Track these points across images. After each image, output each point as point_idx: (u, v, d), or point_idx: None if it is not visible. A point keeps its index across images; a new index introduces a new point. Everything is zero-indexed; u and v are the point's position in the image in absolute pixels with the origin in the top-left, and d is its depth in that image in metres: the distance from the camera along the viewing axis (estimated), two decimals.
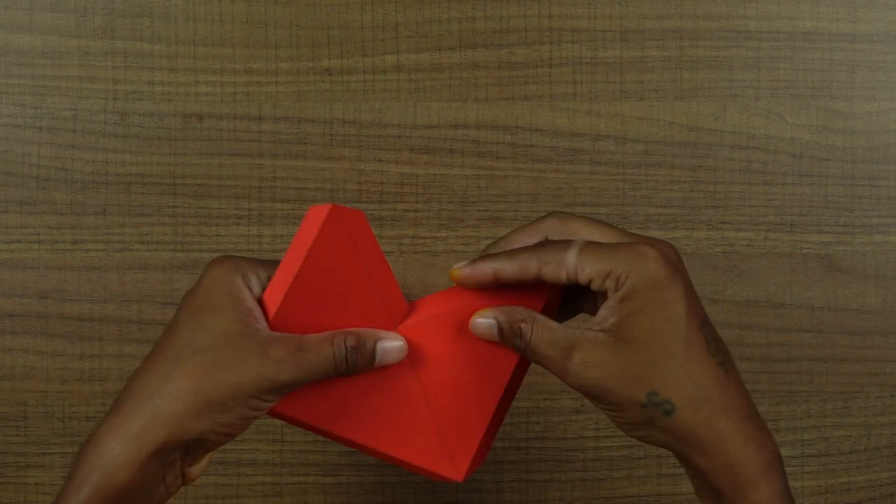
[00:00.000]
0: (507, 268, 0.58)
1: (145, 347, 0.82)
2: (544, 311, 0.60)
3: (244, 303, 0.57)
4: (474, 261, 0.59)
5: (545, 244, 0.58)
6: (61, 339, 0.82)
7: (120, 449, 0.55)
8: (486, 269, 0.59)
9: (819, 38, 0.83)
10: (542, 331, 0.57)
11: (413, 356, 0.60)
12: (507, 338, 0.59)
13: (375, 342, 0.58)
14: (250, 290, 0.58)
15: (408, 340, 0.60)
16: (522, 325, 0.58)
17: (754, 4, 0.83)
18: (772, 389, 0.84)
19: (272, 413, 0.59)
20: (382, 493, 0.83)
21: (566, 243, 0.57)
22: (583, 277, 0.57)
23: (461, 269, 0.59)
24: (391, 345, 0.59)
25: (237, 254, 0.82)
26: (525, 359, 0.62)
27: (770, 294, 0.83)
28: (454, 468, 0.61)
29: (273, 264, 0.60)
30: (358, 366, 0.58)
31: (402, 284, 0.82)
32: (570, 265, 0.57)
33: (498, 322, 0.59)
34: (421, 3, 0.82)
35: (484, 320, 0.59)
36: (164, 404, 0.55)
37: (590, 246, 0.57)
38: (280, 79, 0.82)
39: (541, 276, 0.58)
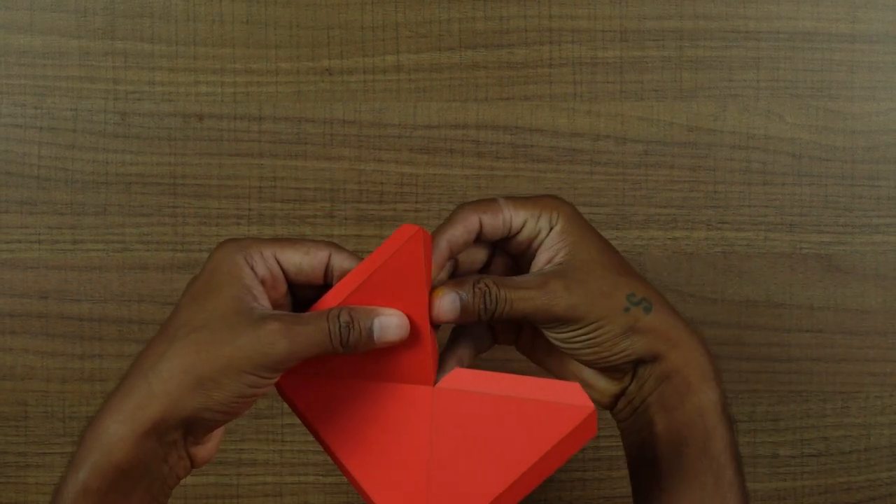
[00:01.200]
0: (455, 231, 0.61)
1: None
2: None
3: (242, 280, 0.57)
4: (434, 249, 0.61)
5: (476, 202, 0.62)
6: (62, 338, 0.82)
7: (116, 427, 0.55)
8: (440, 242, 0.60)
9: (819, 38, 0.83)
10: (507, 281, 0.60)
11: (440, 417, 0.59)
12: (474, 303, 0.59)
13: (372, 319, 0.58)
14: (252, 268, 0.58)
15: (441, 402, 0.59)
16: (487, 283, 0.59)
17: (754, 5, 0.83)
18: (771, 389, 0.84)
19: (280, 393, 0.59)
20: None
21: (492, 200, 0.62)
22: (517, 220, 0.61)
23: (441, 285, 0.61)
24: (389, 321, 0.58)
25: None
26: (541, 470, 0.58)
27: (770, 294, 0.83)
28: None
29: (280, 241, 0.60)
30: (353, 342, 0.57)
31: None
32: (505, 214, 0.61)
33: (459, 294, 0.60)
34: (421, 3, 0.82)
35: (445, 296, 0.59)
36: (158, 382, 0.56)
37: (513, 198, 0.62)
38: (280, 79, 0.82)
39: (483, 230, 0.61)
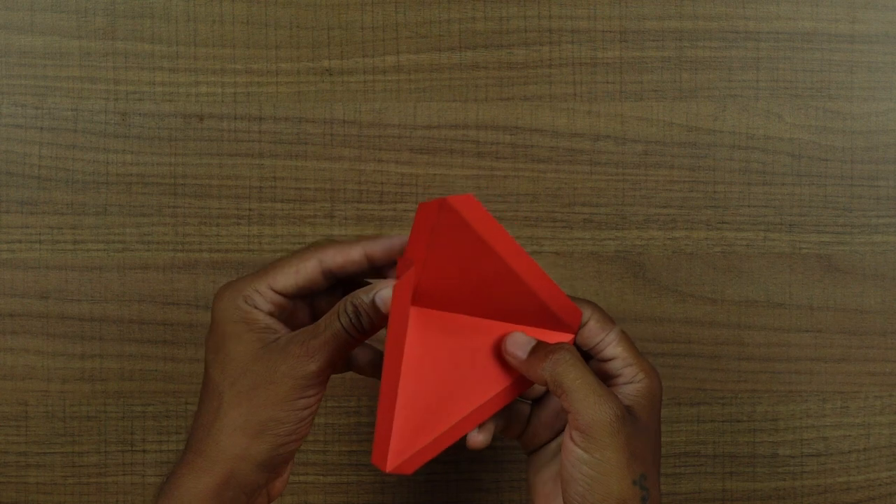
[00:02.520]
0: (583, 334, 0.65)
1: (146, 347, 0.82)
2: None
3: (258, 323, 0.59)
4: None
5: (598, 313, 0.64)
6: (62, 338, 0.82)
7: (193, 483, 0.57)
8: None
9: (818, 38, 0.83)
10: (577, 362, 0.60)
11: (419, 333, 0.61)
12: (537, 355, 0.60)
13: (373, 296, 0.59)
14: (256, 307, 0.60)
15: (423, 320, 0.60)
16: (558, 349, 0.60)
17: (753, 5, 0.83)
18: (771, 389, 0.84)
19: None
20: (382, 493, 0.83)
21: (611, 322, 0.64)
22: (613, 352, 0.63)
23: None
24: (387, 291, 0.60)
25: (236, 254, 0.82)
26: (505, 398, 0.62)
27: (769, 294, 0.83)
28: (382, 455, 0.59)
29: (268, 269, 0.62)
30: (367, 324, 0.59)
31: None
32: (608, 337, 0.63)
33: (533, 343, 0.61)
34: (421, 3, 0.82)
35: (514, 341, 0.61)
36: (224, 437, 0.58)
37: (626, 337, 0.65)
38: (280, 79, 0.82)
39: (587, 334, 0.64)
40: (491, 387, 0.61)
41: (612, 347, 0.63)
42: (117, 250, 0.82)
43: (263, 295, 0.60)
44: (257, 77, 0.82)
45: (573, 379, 0.59)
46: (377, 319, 0.60)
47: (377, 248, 0.62)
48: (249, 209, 0.83)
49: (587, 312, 0.64)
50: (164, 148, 0.82)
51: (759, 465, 0.84)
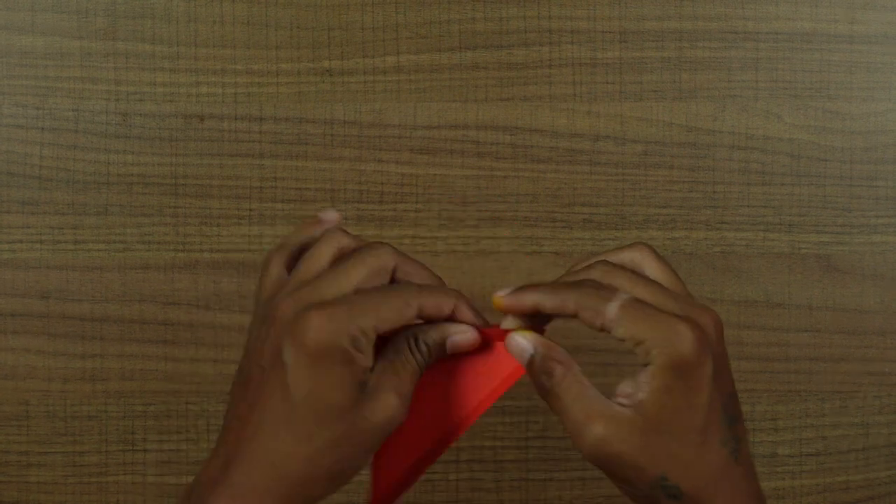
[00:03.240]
0: (547, 303, 0.57)
1: (147, 347, 0.83)
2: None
3: (359, 366, 0.56)
4: (517, 290, 0.58)
5: (590, 286, 0.57)
6: (63, 338, 0.82)
7: None
8: (527, 300, 0.57)
9: (817, 38, 0.83)
10: (574, 383, 0.56)
11: None
12: (535, 369, 0.57)
13: (447, 338, 0.58)
14: (360, 351, 0.56)
15: None
16: (557, 366, 0.57)
17: (753, 5, 0.83)
18: (770, 389, 0.84)
19: None
20: None
21: (611, 292, 0.56)
22: (617, 334, 0.56)
23: (503, 298, 0.58)
24: (463, 338, 0.58)
25: (237, 255, 0.82)
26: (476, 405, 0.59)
27: (768, 294, 0.83)
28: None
29: (366, 307, 0.57)
30: (432, 362, 0.58)
31: None
32: (607, 318, 0.56)
33: (535, 350, 0.57)
34: (421, 4, 0.83)
35: (522, 340, 0.58)
36: (311, 485, 0.56)
37: (632, 305, 0.56)
38: (281, 79, 0.83)
39: (578, 318, 0.57)
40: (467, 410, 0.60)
41: (617, 327, 0.56)
42: (118, 250, 0.82)
43: (369, 337, 0.55)
44: (258, 77, 0.82)
45: (558, 411, 0.56)
46: (437, 359, 0.58)
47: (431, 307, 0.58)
48: (250, 209, 0.83)
49: (573, 297, 0.57)
50: (165, 148, 0.82)
51: (758, 464, 0.84)
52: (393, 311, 0.56)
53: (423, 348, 0.57)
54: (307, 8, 0.82)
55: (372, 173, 0.83)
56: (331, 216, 0.62)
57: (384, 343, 0.57)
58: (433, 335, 0.58)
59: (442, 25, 0.83)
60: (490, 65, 0.83)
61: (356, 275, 0.57)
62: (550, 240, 0.83)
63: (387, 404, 0.55)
